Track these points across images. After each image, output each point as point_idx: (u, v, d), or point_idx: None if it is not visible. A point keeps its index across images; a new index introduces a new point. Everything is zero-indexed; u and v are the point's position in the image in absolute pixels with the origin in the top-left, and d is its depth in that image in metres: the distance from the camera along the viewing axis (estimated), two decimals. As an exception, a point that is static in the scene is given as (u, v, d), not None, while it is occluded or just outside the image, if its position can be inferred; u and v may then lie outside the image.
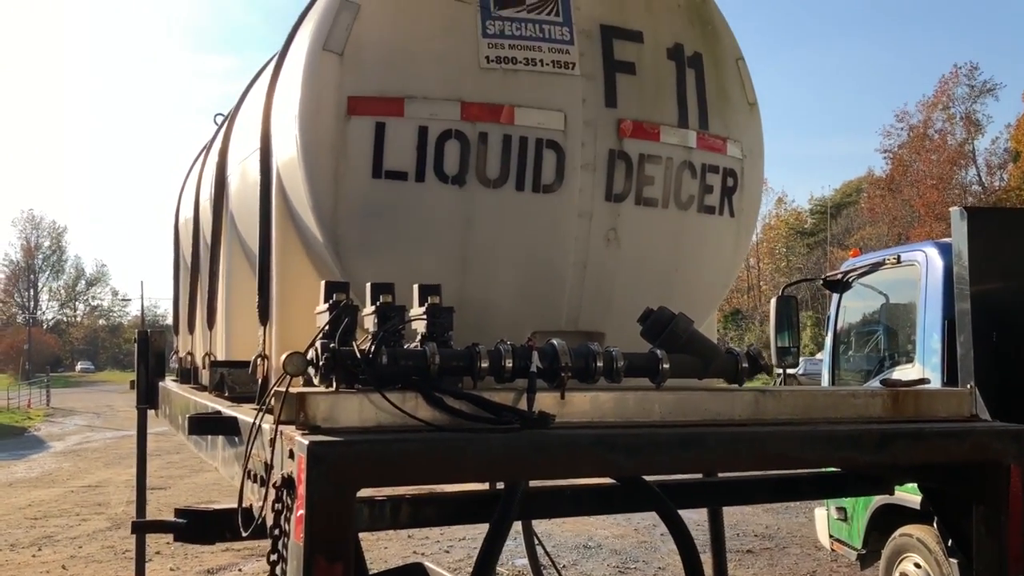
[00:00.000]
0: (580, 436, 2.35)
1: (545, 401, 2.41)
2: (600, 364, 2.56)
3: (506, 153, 3.13)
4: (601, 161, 3.25)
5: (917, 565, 6.38)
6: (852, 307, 7.67)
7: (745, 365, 2.80)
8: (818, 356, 25.74)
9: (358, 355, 2.27)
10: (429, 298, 2.54)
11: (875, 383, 5.87)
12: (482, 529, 2.76)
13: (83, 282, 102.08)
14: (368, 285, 2.59)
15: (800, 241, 62.40)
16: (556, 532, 11.16)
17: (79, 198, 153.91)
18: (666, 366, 2.66)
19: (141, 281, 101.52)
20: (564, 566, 8.72)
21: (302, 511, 1.96)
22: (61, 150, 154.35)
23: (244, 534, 2.36)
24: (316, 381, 2.33)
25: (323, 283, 2.62)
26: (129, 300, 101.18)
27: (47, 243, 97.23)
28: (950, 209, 6.00)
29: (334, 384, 2.29)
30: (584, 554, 10.36)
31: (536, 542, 6.76)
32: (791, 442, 2.60)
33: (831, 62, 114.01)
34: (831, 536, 7.54)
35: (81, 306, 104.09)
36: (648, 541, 10.97)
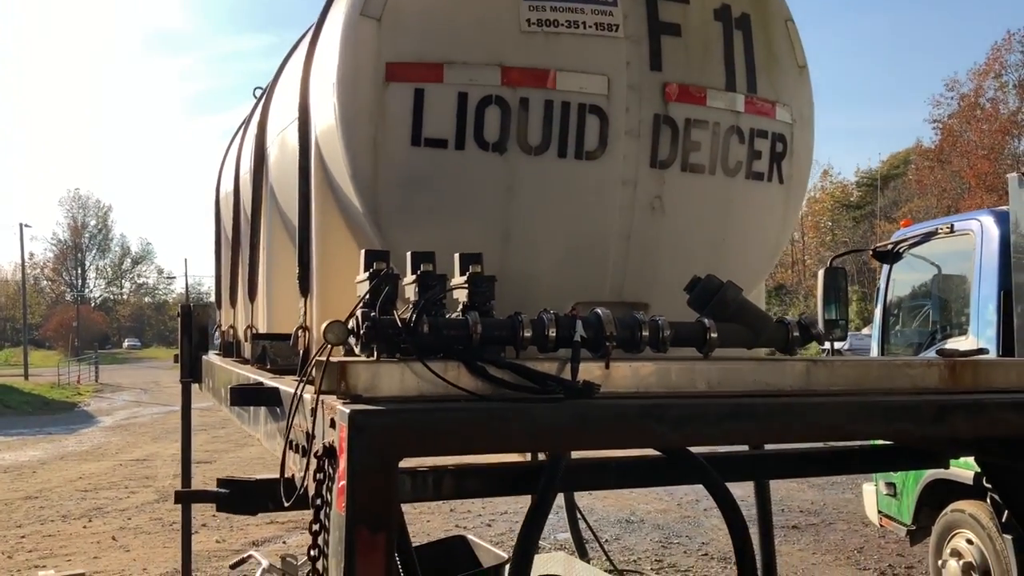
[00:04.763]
0: (626, 406, 2.28)
1: (589, 371, 2.34)
2: (646, 333, 2.49)
3: (548, 119, 3.05)
4: (646, 127, 3.16)
5: (969, 541, 6.24)
6: (902, 279, 7.50)
7: (796, 334, 2.71)
8: (864, 331, 25.34)
9: (399, 324, 2.22)
10: (470, 267, 2.49)
11: (929, 355, 5.73)
12: (524, 503, 2.72)
13: (129, 260, 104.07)
14: (408, 254, 2.54)
15: (846, 214, 61.40)
16: (598, 507, 11.15)
17: (124, 177, 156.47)
18: (714, 335, 2.58)
19: (185, 259, 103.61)
20: (606, 540, 8.69)
21: (344, 481, 1.93)
22: (106, 130, 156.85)
23: (286, 504, 2.34)
24: (357, 350, 2.29)
25: (363, 252, 2.58)
26: (174, 278, 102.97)
27: (93, 222, 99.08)
28: (1007, 176, 5.81)
29: (375, 353, 2.25)
30: (627, 528, 10.33)
31: (579, 516, 6.74)
32: (844, 413, 2.51)
33: (876, 30, 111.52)
34: (880, 512, 7.41)
35: (127, 284, 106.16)
36: (691, 516, 10.91)
